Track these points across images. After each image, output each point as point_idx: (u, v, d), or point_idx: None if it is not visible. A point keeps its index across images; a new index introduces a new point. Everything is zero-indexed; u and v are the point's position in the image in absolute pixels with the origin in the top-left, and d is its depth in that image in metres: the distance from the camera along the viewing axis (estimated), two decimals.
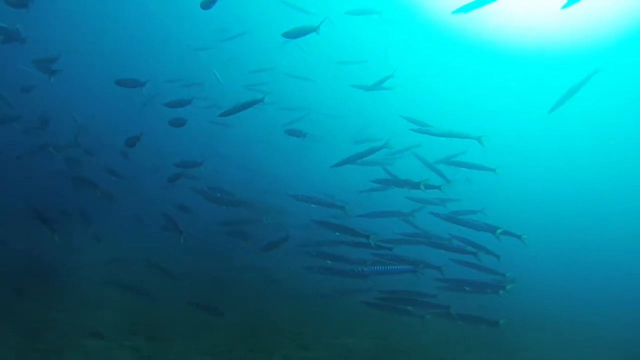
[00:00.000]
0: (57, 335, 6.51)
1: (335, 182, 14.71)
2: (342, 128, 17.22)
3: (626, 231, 24.74)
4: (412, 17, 23.02)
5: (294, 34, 7.44)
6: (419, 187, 7.36)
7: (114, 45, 21.72)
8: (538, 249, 17.91)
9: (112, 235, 10.00)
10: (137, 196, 11.49)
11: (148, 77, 8.21)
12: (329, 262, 7.55)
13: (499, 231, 7.05)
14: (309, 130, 16.38)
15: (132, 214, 11.43)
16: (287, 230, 8.89)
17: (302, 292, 9.37)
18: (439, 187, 7.61)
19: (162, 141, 15.03)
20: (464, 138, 7.64)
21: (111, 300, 8.03)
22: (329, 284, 8.95)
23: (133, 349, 6.49)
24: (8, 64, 11.93)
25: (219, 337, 7.46)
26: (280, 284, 10.52)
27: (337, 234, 7.40)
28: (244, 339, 7.54)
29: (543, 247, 18.73)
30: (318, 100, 18.32)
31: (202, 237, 10.35)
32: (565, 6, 8.31)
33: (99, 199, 8.37)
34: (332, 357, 7.26)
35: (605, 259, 21.16)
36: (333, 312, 9.44)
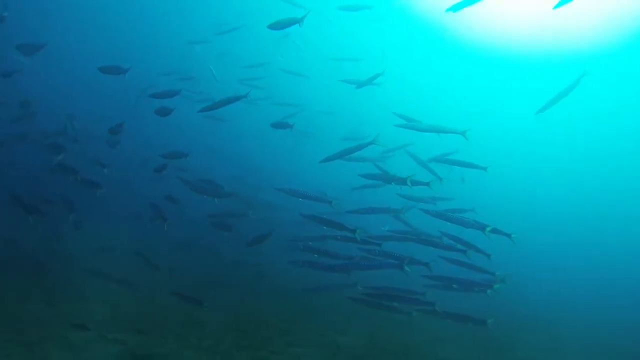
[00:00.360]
0: (39, 328, 6.41)
1: (329, 180, 14.68)
2: (336, 125, 17.19)
3: (622, 232, 24.93)
4: (410, 18, 23.01)
5: (279, 26, 7.47)
6: (406, 183, 7.34)
7: (113, 38, 21.54)
8: (533, 249, 18.02)
9: (100, 227, 9.89)
10: (127, 188, 11.35)
11: (130, 65, 8.21)
12: (315, 257, 7.52)
13: (488, 229, 7.03)
14: (302, 127, 16.47)
15: (124, 207, 11.31)
16: (272, 225, 8.87)
17: (291, 287, 9.32)
18: (427, 184, 7.59)
19: (156, 134, 14.93)
20: (449, 133, 7.64)
21: (97, 292, 7.93)
22: (317, 279, 8.91)
23: (119, 342, 6.41)
24: None
25: (206, 332, 7.41)
26: (269, 280, 10.47)
27: (325, 228, 7.38)
28: (232, 334, 7.48)
29: (538, 248, 18.85)
30: (313, 97, 18.31)
31: (192, 231, 10.31)
32: (557, 6, 8.34)
33: (89, 190, 8.25)
34: (321, 354, 7.21)
35: (600, 262, 21.27)
36: (320, 308, 9.39)
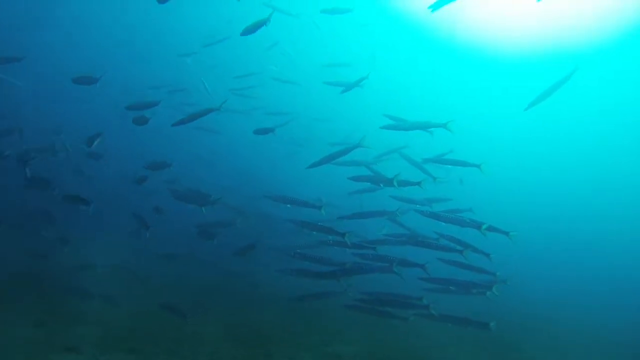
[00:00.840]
0: (29, 353, 6.19)
1: (327, 186, 14.51)
2: (333, 132, 17.07)
3: (623, 231, 24.65)
4: (399, 19, 22.95)
5: (249, 31, 7.43)
6: (393, 183, 7.17)
7: (106, 53, 21.53)
8: (534, 249, 17.75)
9: (88, 242, 9.67)
10: (120, 202, 11.11)
11: (101, 74, 8.24)
12: (306, 264, 7.32)
13: (484, 227, 6.82)
14: (298, 135, 16.38)
15: (116, 221, 11.08)
16: (261, 235, 8.71)
17: (286, 296, 9.08)
18: (418, 184, 7.42)
19: (150, 148, 14.75)
20: (432, 127, 7.51)
21: (88, 311, 7.71)
22: (311, 287, 8.69)
23: None
24: None
25: (201, 346, 7.21)
26: (263, 289, 10.20)
27: (314, 233, 7.22)
28: (228, 348, 7.28)
29: (538, 247, 18.59)
30: (307, 105, 18.25)
31: (185, 243, 10.12)
32: None
33: (76, 206, 8.09)
34: None
35: (602, 262, 20.96)
36: (317, 315, 9.12)
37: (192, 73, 16.38)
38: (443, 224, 7.24)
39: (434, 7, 8.47)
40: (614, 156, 28.24)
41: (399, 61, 23.52)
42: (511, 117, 24.77)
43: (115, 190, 11.17)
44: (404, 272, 6.97)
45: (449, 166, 11.00)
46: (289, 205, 7.36)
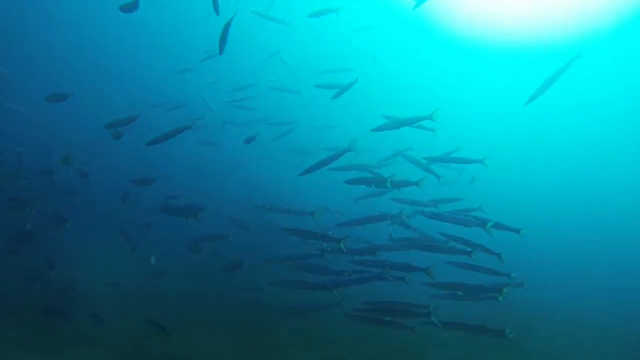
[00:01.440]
0: None
1: (336, 193, 14.27)
2: (341, 138, 16.86)
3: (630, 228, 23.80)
4: (397, 18, 22.65)
5: (222, 42, 7.27)
6: (386, 184, 6.85)
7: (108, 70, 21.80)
8: (548, 247, 17.10)
9: (86, 260, 9.55)
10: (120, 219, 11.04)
11: (72, 91, 8.33)
12: (304, 274, 7.02)
13: (489, 224, 6.41)
14: (301, 144, 16.21)
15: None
16: (254, 248, 8.49)
17: (290, 309, 8.72)
18: (416, 184, 7.09)
19: (154, 163, 14.74)
20: (418, 121, 7.19)
21: (87, 334, 7.51)
22: (317, 299, 8.33)
23: None
24: None
25: None
26: (268, 301, 9.85)
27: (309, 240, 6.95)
28: None
29: (552, 245, 17.97)
30: (314, 112, 18.12)
31: (187, 259, 9.94)
32: None
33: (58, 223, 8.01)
34: None
35: (616, 261, 20.13)
36: (322, 327, 8.72)
37: (192, 88, 16.45)
38: (449, 224, 6.87)
39: (418, 2, 8.26)
40: (625, 153, 27.47)
41: (402, 61, 23.28)
42: (520, 112, 24.18)
43: (115, 208, 11.11)
44: (410, 278, 6.59)
45: (461, 166, 10.68)
46: (283, 214, 7.11)
